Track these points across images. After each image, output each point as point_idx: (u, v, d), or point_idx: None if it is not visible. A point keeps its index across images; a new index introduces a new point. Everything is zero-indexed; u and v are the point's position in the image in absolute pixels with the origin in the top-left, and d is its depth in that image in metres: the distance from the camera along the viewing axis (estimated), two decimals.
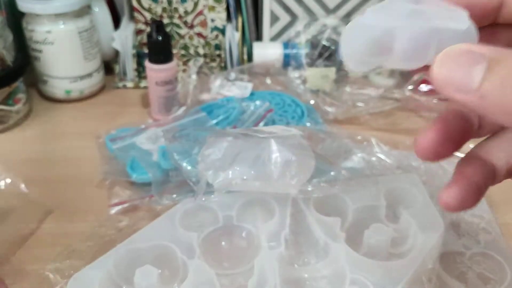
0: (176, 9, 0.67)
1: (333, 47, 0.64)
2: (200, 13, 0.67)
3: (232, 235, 0.40)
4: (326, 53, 0.64)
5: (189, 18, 0.67)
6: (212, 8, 0.67)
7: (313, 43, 0.66)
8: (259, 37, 0.72)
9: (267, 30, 0.71)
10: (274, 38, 0.72)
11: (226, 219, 0.40)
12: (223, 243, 0.40)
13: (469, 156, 0.23)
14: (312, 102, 0.61)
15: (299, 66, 0.66)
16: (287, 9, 0.70)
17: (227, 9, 0.68)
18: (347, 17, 0.71)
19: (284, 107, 0.60)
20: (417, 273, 0.34)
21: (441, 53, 0.18)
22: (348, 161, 0.48)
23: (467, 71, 0.17)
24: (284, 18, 0.70)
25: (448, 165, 0.48)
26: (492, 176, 0.23)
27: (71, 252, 0.39)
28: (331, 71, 0.63)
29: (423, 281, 0.34)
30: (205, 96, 0.61)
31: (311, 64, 0.64)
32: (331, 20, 0.70)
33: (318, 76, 0.63)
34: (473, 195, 0.22)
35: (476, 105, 0.17)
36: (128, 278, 0.34)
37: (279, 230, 0.38)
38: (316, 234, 0.38)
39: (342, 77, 0.64)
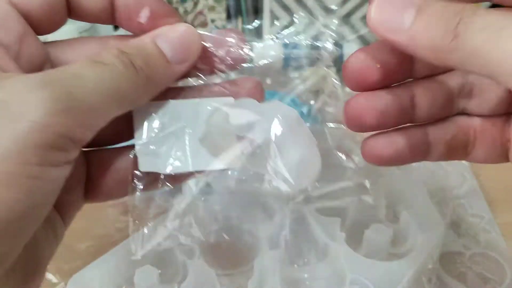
0: (176, 9, 0.67)
1: (333, 48, 0.64)
2: (200, 13, 0.67)
3: (232, 235, 0.40)
4: (325, 53, 0.64)
5: (189, 18, 0.67)
6: (212, 8, 0.67)
7: (313, 43, 0.66)
8: (259, 37, 0.72)
9: (267, 30, 0.71)
10: (274, 38, 0.72)
11: (226, 219, 0.40)
12: (223, 243, 0.40)
13: (410, 127, 0.25)
14: (312, 102, 0.61)
15: (299, 66, 0.66)
16: (287, 9, 0.70)
17: (227, 9, 0.68)
18: (347, 17, 0.71)
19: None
20: (417, 273, 0.34)
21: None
22: (349, 162, 0.48)
23: (399, 14, 0.19)
24: (284, 18, 0.70)
25: (449, 166, 0.48)
26: (428, 149, 0.24)
27: (71, 252, 0.39)
28: (331, 71, 0.63)
29: (423, 281, 0.34)
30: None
31: (311, 64, 0.64)
32: (331, 21, 0.70)
33: (318, 76, 0.63)
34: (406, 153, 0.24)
35: (406, 44, 0.19)
36: (128, 278, 0.34)
37: (279, 231, 0.38)
38: (315, 234, 0.38)
39: (342, 77, 0.64)
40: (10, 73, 0.18)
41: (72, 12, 0.22)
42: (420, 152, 0.24)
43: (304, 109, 0.59)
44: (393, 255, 0.37)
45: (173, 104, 0.23)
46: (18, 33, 0.20)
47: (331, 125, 0.57)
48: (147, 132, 0.23)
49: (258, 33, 0.73)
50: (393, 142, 0.24)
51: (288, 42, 0.64)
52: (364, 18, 0.73)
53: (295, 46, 0.73)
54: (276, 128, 0.22)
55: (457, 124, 0.24)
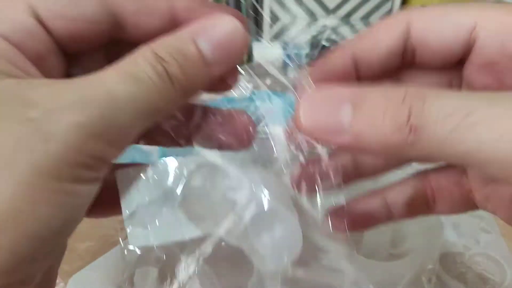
0: None
1: (333, 47, 0.64)
2: None
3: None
4: (326, 53, 0.64)
5: None
6: None
7: (313, 43, 0.66)
8: (259, 37, 0.72)
9: (267, 30, 0.71)
10: (274, 38, 0.72)
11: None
12: (223, 243, 0.40)
13: (367, 194, 0.25)
14: None
15: (299, 66, 0.66)
16: (287, 9, 0.70)
17: None
18: (347, 17, 0.71)
19: (284, 107, 0.60)
20: (417, 273, 0.34)
21: (301, 100, 0.18)
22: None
23: (335, 113, 0.17)
24: (284, 18, 0.70)
25: None
26: (388, 213, 0.25)
27: (71, 252, 0.39)
28: None
29: (423, 281, 0.34)
30: (204, 96, 0.62)
31: (311, 64, 0.64)
32: (331, 20, 0.70)
33: None
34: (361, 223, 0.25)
35: (353, 145, 0.17)
36: (128, 278, 0.34)
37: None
38: (316, 234, 0.38)
39: None
40: (37, 79, 0.17)
41: (125, 36, 0.20)
42: (382, 216, 0.25)
43: None
44: (393, 255, 0.37)
45: (156, 167, 0.21)
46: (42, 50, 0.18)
47: None
48: (134, 200, 0.21)
49: (258, 33, 0.73)
50: (351, 213, 0.24)
51: (288, 42, 0.64)
52: (364, 18, 0.73)
53: (295, 46, 0.73)
54: (262, 200, 0.20)
55: (412, 185, 0.24)
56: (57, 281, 0.36)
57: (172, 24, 0.19)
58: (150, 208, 0.21)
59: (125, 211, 0.21)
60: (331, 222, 0.23)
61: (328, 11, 0.70)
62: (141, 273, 0.33)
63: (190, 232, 0.22)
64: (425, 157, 0.16)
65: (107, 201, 0.21)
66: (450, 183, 0.23)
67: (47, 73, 0.18)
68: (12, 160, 0.15)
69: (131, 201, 0.21)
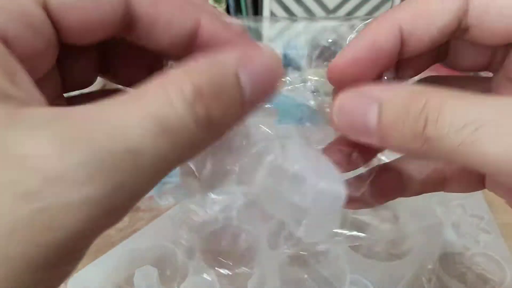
0: None
1: (332, 47, 0.64)
2: None
3: (232, 235, 0.40)
4: (326, 53, 0.64)
5: None
6: None
7: (313, 43, 0.66)
8: (259, 37, 0.72)
9: (267, 30, 0.71)
10: (274, 38, 0.72)
11: (226, 219, 0.40)
12: (223, 243, 0.40)
13: (384, 166, 0.24)
14: (312, 102, 0.61)
15: (299, 67, 0.66)
16: (287, 9, 0.70)
17: (227, 9, 0.68)
18: (347, 17, 0.71)
19: (284, 107, 0.60)
20: (417, 273, 0.34)
21: (336, 101, 0.18)
22: None
23: (363, 116, 0.17)
24: (284, 18, 0.70)
25: None
26: (403, 186, 0.24)
27: None
28: None
29: (423, 281, 0.34)
30: None
31: (311, 64, 0.64)
32: (331, 20, 0.70)
33: (318, 76, 0.63)
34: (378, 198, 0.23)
35: (380, 145, 0.18)
36: (128, 278, 0.34)
37: (279, 231, 0.38)
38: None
39: None
40: (31, 110, 0.13)
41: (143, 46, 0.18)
42: (396, 190, 0.24)
43: (304, 109, 0.59)
44: (393, 255, 0.37)
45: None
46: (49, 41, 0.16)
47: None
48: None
49: (258, 33, 0.73)
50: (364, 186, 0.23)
51: (288, 42, 0.64)
52: (364, 18, 0.73)
53: (295, 46, 0.73)
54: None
55: (430, 163, 0.24)
56: None
57: (191, 40, 0.18)
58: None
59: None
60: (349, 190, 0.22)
61: (328, 11, 0.70)
62: (141, 273, 0.33)
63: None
64: (440, 160, 0.17)
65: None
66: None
67: (35, 69, 0.16)
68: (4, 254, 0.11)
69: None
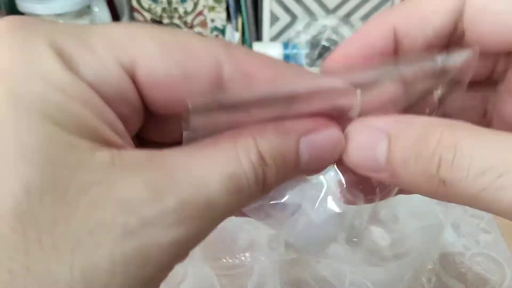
0: (176, 9, 0.67)
1: (333, 47, 0.64)
2: (200, 13, 0.67)
3: (232, 235, 0.40)
4: (326, 53, 0.64)
5: (189, 18, 0.67)
6: (212, 8, 0.67)
7: (313, 43, 0.66)
8: (259, 37, 0.72)
9: (267, 30, 0.71)
10: (274, 38, 0.72)
11: (226, 219, 0.40)
12: (223, 243, 0.40)
13: None
14: None
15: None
16: (287, 9, 0.70)
17: (227, 9, 0.68)
18: (347, 17, 0.71)
19: None
20: (417, 273, 0.34)
21: (347, 136, 0.17)
22: None
23: (371, 152, 0.16)
24: (284, 18, 0.70)
25: None
26: None
27: None
28: None
29: (423, 281, 0.34)
30: None
31: (311, 64, 0.64)
32: (331, 20, 0.70)
33: None
34: None
35: (392, 182, 0.17)
36: None
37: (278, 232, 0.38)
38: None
39: None
40: (129, 154, 0.14)
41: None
42: None
43: None
44: (393, 256, 0.37)
45: None
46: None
47: None
48: None
49: (258, 33, 0.73)
50: None
51: (288, 42, 0.64)
52: (364, 18, 0.73)
53: (295, 46, 0.73)
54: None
55: None
56: None
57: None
58: None
59: None
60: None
61: (328, 11, 0.70)
62: None
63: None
64: (457, 203, 0.15)
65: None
66: None
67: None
68: None
69: None
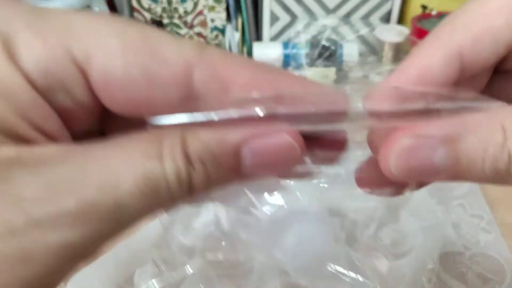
0: (176, 9, 0.67)
1: (333, 47, 0.64)
2: (200, 13, 0.67)
3: (232, 236, 0.40)
4: (326, 53, 0.64)
5: (189, 18, 0.67)
6: (212, 8, 0.67)
7: (313, 43, 0.66)
8: (259, 37, 0.72)
9: (267, 30, 0.71)
10: (274, 38, 0.72)
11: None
12: (223, 243, 0.40)
13: None
14: None
15: (299, 66, 0.66)
16: (287, 9, 0.70)
17: (227, 9, 0.68)
18: (347, 17, 0.71)
19: None
20: (417, 273, 0.34)
21: (390, 149, 0.16)
22: (350, 162, 0.48)
23: (429, 160, 0.16)
24: (284, 18, 0.70)
25: None
26: None
27: None
28: (331, 71, 0.63)
29: (423, 281, 0.34)
30: None
31: (311, 64, 0.65)
32: (331, 20, 0.70)
33: (318, 76, 0.63)
34: None
35: (450, 180, 0.16)
36: (128, 278, 0.34)
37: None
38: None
39: (342, 77, 0.64)
40: (36, 149, 0.13)
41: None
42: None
43: None
44: (393, 255, 0.37)
45: None
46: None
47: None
48: None
49: (258, 33, 0.73)
50: None
51: (288, 42, 0.64)
52: (363, 18, 0.73)
53: (295, 46, 0.73)
54: None
55: None
56: None
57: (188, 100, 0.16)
58: None
59: None
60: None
61: (328, 11, 0.70)
62: (141, 273, 0.33)
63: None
64: None
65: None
66: None
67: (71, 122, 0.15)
68: None
69: None
